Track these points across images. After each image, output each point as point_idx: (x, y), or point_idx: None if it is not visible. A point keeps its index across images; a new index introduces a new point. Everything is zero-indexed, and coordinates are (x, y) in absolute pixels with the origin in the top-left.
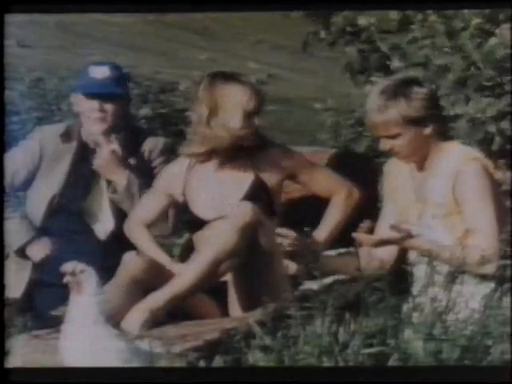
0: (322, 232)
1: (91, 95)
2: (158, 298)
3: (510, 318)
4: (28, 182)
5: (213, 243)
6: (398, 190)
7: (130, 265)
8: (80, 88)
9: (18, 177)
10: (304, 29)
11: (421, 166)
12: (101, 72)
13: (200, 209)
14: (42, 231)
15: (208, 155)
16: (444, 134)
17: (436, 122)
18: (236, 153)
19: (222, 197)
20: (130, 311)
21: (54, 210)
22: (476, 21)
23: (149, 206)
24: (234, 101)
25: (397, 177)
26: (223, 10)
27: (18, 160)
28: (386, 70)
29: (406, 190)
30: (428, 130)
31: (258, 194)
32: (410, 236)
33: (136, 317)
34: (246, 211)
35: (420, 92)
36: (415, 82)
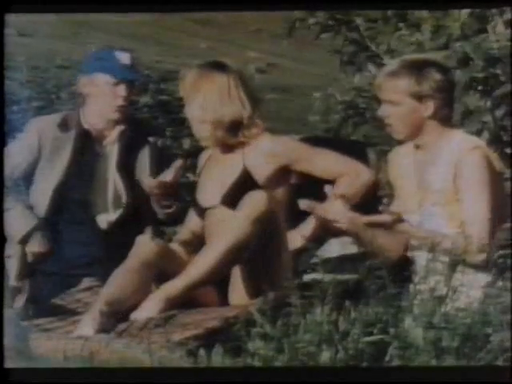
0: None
1: (121, 81)
2: (173, 287)
3: (510, 307)
4: (29, 175)
5: (228, 232)
6: (400, 178)
7: (143, 248)
8: (108, 70)
9: (19, 170)
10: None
11: (417, 146)
12: (126, 58)
13: (201, 195)
14: (45, 222)
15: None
16: (448, 121)
17: (441, 108)
18: (230, 142)
19: (214, 186)
20: (145, 300)
21: (57, 199)
22: (466, 12)
23: None
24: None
25: (400, 165)
26: (224, 10)
27: (16, 153)
28: (376, 60)
29: (408, 178)
30: (429, 112)
31: (245, 187)
32: (400, 220)
33: (152, 306)
34: (261, 201)
35: (435, 76)
36: (436, 65)
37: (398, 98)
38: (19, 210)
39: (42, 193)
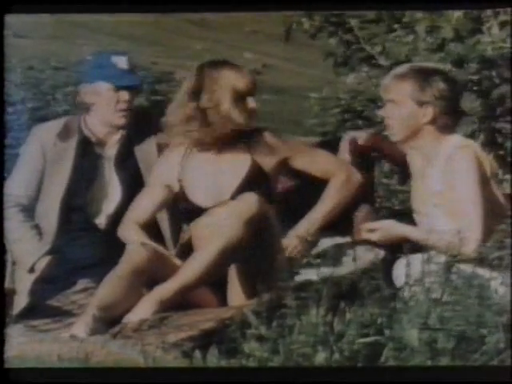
0: (315, 215)
1: (123, 87)
2: (167, 289)
3: (510, 308)
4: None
5: (220, 234)
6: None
7: (134, 255)
8: (108, 78)
9: (31, 186)
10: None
11: (412, 147)
12: (123, 62)
13: (198, 196)
14: (54, 249)
15: (209, 142)
16: (447, 129)
17: (441, 116)
18: (232, 138)
19: (219, 183)
20: (138, 302)
21: (63, 210)
22: (460, 13)
23: (143, 203)
24: (225, 84)
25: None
26: (219, 11)
27: (25, 169)
28: (370, 61)
29: (416, 184)
30: (427, 118)
31: (256, 179)
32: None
33: (145, 308)
34: (251, 202)
35: (440, 85)
36: (443, 74)
37: (401, 100)
38: (28, 237)
39: (51, 204)
